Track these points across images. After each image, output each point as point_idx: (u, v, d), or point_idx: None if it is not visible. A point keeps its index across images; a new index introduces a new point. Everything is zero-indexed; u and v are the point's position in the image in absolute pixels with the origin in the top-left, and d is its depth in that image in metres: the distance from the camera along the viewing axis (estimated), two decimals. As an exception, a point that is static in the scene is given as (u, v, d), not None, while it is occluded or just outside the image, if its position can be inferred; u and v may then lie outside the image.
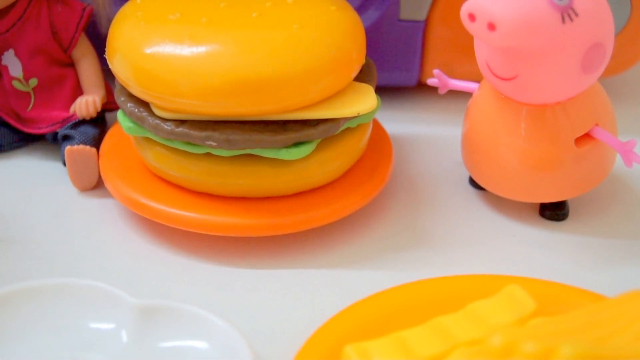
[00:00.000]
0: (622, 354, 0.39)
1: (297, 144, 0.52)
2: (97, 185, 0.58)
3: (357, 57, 0.53)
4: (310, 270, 0.53)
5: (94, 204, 0.57)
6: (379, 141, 0.58)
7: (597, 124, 0.53)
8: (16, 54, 0.59)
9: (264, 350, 0.47)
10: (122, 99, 0.54)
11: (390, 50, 0.63)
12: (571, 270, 0.53)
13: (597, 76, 0.51)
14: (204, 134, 0.51)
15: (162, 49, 0.51)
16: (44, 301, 0.48)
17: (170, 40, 0.51)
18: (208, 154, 0.53)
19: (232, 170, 0.53)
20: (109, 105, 0.60)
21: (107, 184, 0.56)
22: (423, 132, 0.63)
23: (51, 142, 0.60)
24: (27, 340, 0.47)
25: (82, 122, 0.59)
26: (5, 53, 0.59)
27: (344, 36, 0.52)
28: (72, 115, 0.59)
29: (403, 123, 0.64)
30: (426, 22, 0.63)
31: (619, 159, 0.57)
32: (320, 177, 0.54)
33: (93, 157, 0.57)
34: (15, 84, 0.60)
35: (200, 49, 0.50)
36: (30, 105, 0.60)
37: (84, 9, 0.59)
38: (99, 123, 0.60)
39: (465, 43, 0.59)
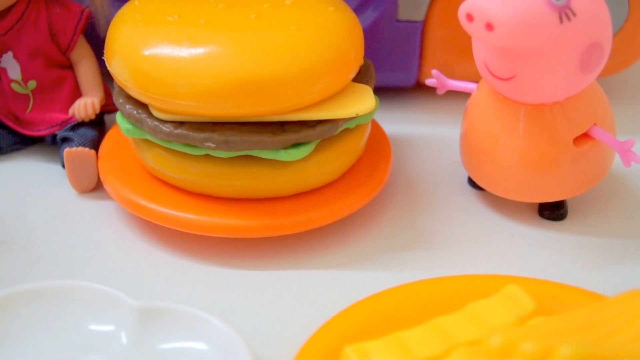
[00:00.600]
0: (622, 353, 0.39)
1: (296, 145, 0.52)
2: (96, 187, 0.58)
3: (355, 57, 0.53)
4: (310, 271, 0.53)
5: (93, 205, 0.57)
6: (378, 142, 0.58)
7: (595, 124, 0.53)
8: (15, 56, 0.59)
9: (264, 351, 0.47)
10: (121, 100, 0.54)
11: (388, 50, 0.63)
12: (570, 270, 0.53)
13: (595, 76, 0.51)
14: (202, 135, 0.51)
15: (160, 51, 0.51)
16: (44, 303, 0.48)
17: (169, 42, 0.51)
18: (207, 156, 0.53)
19: (231, 172, 0.53)
20: (108, 107, 0.60)
21: (106, 186, 0.56)
22: (422, 133, 0.63)
23: (50, 144, 0.60)
24: (26, 342, 0.47)
25: (81, 124, 0.59)
26: (4, 55, 0.59)
27: (342, 37, 0.52)
28: (71, 118, 0.59)
29: (402, 123, 0.64)
30: (424, 23, 0.63)
31: (617, 158, 0.57)
32: (319, 178, 0.54)
33: (92, 159, 0.57)
34: (14, 86, 0.60)
35: (199, 51, 0.50)
36: (29, 108, 0.60)
37: (82, 11, 0.59)
38: (98, 125, 0.60)
39: (463, 43, 0.59)
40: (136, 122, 0.53)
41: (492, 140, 0.54)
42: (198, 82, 0.50)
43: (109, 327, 0.47)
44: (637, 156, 0.52)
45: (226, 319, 0.47)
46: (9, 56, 0.59)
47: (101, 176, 0.56)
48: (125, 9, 0.55)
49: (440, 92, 0.59)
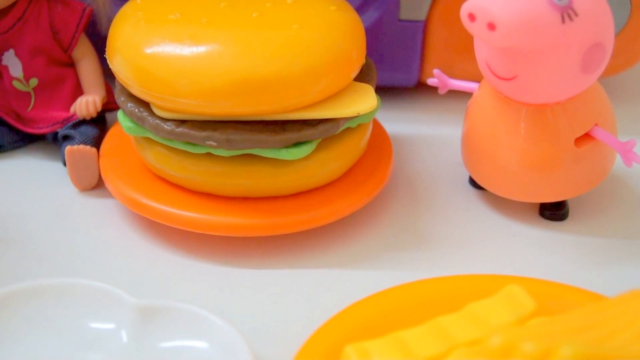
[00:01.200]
0: (622, 354, 0.39)
1: (297, 144, 0.52)
2: (97, 185, 0.58)
3: (357, 57, 0.53)
4: (310, 270, 0.53)
5: (94, 204, 0.57)
6: (379, 141, 0.58)
7: (596, 124, 0.53)
8: (16, 54, 0.59)
9: (264, 350, 0.47)
10: (122, 99, 0.54)
11: (390, 50, 0.63)
12: (571, 270, 0.53)
13: (597, 76, 0.51)
14: (204, 133, 0.51)
15: (162, 49, 0.51)
16: (44, 301, 0.48)
17: (171, 40, 0.51)
18: (208, 154, 0.53)
19: (232, 170, 0.53)
20: (109, 105, 0.60)
21: (107, 184, 0.56)
22: (423, 132, 0.63)
23: (51, 142, 0.60)
24: (27, 340, 0.47)
25: (83, 122, 0.59)
26: (6, 53, 0.59)
27: (344, 36, 0.52)
28: (73, 115, 0.59)
29: (403, 123, 0.64)
30: (426, 22, 0.63)
31: (618, 158, 0.57)
32: (320, 177, 0.54)
33: (93, 157, 0.57)
34: (16, 84, 0.60)
35: (201, 49, 0.50)
36: (31, 105, 0.60)
37: (84, 9, 0.59)
38: (99, 123, 0.60)
39: (465, 43, 0.59)
40: (138, 120, 0.53)
41: (494, 140, 0.54)
42: (200, 80, 0.50)
43: (110, 325, 0.47)
44: (638, 156, 0.52)
45: (226, 317, 0.47)
46: (10, 54, 0.59)
47: (102, 174, 0.56)
48: (127, 7, 0.55)
49: (441, 91, 0.59)
